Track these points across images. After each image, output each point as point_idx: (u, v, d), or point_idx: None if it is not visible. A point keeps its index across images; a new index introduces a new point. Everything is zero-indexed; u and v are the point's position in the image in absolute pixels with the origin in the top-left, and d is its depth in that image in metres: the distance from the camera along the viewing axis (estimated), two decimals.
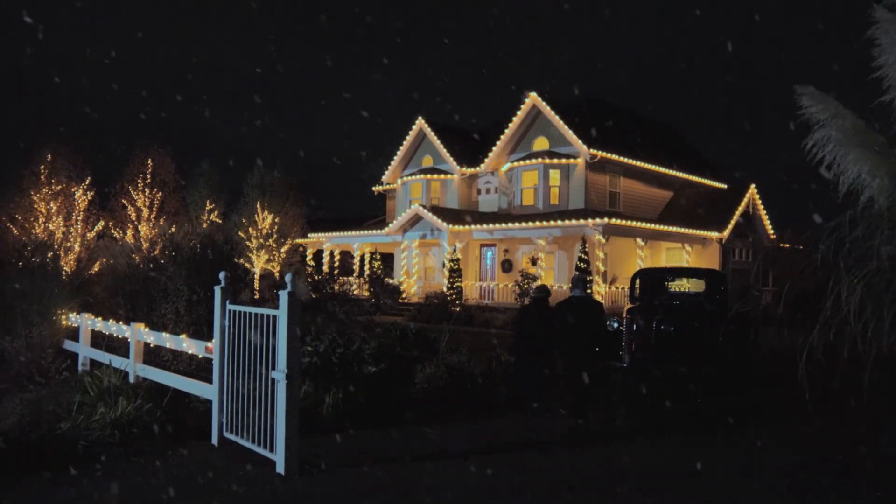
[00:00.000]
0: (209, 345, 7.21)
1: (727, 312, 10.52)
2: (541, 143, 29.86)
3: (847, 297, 3.51)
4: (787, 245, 29.73)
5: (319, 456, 6.63)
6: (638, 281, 12.55)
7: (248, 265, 35.31)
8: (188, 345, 7.74)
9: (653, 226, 26.44)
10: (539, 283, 24.39)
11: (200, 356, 7.69)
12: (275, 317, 6.13)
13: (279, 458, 6.14)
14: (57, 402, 8.20)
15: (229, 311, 6.82)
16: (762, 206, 31.94)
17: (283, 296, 5.97)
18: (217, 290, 6.91)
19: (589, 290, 22.57)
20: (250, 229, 35.60)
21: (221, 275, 6.93)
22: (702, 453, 7.02)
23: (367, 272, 33.10)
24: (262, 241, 35.91)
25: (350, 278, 33.60)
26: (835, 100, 3.52)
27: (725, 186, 33.35)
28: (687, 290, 12.71)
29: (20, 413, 8.31)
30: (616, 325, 10.97)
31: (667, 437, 7.92)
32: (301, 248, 37.57)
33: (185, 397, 7.98)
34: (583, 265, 23.41)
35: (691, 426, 8.61)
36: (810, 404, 3.56)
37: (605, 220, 23.81)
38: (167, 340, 8.09)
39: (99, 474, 6.07)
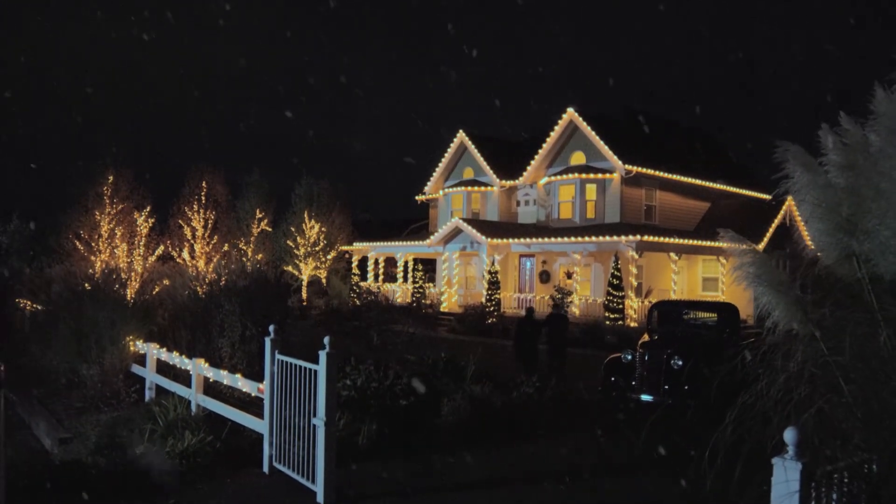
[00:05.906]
0: (261, 386, 8.34)
1: (738, 344, 11.22)
2: (578, 158, 30.59)
3: (766, 394, 4.40)
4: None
5: (354, 485, 7.70)
6: (655, 313, 13.35)
7: (296, 273, 36.90)
8: (243, 383, 8.89)
9: (685, 241, 26.97)
10: (565, 298, 25.38)
11: (253, 395, 8.81)
12: (315, 371, 7.22)
13: (319, 489, 7.23)
14: (129, 428, 9.43)
15: (278, 360, 7.94)
16: (799, 218, 32.00)
17: (322, 356, 7.05)
18: (267, 342, 8.04)
19: (620, 305, 23.34)
20: (298, 238, 37.14)
21: (271, 328, 8.06)
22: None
23: (410, 279, 34.26)
24: (309, 248, 37.42)
25: (394, 285, 34.90)
26: (749, 241, 4.44)
27: (769, 197, 33.37)
28: (702, 322, 13.38)
29: (98, 435, 9.61)
30: (630, 356, 11.65)
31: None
32: (347, 255, 38.95)
33: (240, 425, 9.14)
34: (616, 281, 24.16)
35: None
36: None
37: (638, 236, 24.46)
38: (224, 377, 9.25)
39: (172, 501, 7.24)
